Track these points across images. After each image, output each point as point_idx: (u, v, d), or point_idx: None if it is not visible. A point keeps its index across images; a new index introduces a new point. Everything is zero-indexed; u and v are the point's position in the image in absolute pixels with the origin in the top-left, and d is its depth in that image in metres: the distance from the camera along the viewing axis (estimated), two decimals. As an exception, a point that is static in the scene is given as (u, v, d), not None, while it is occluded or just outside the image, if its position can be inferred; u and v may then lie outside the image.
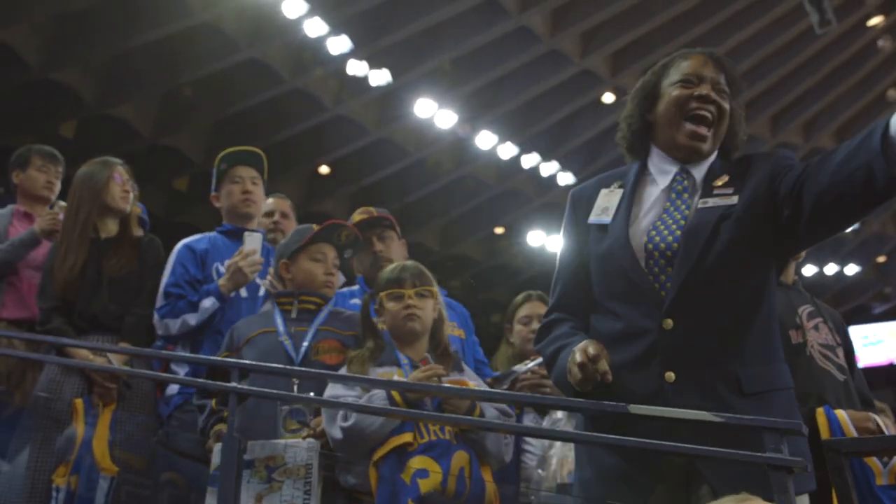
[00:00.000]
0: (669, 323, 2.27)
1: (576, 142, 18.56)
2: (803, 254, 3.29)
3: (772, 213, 2.31)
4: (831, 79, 19.50)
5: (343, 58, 15.14)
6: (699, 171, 2.46)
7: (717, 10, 17.17)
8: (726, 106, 2.46)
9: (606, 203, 2.49)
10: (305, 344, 3.34)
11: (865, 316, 28.08)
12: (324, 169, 17.59)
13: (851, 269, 24.71)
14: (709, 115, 2.43)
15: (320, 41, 14.72)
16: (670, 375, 2.25)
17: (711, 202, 2.36)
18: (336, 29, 14.67)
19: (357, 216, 4.07)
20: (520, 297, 4.21)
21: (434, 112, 16.44)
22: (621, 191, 2.50)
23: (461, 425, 3.01)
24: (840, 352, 3.16)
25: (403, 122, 16.77)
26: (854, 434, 2.86)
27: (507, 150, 17.70)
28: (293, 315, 3.44)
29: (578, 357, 2.23)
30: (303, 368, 3.19)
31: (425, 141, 17.16)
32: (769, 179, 2.34)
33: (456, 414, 3.00)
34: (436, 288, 3.32)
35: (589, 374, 2.20)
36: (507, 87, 17.01)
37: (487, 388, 3.40)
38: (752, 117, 19.52)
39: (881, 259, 25.11)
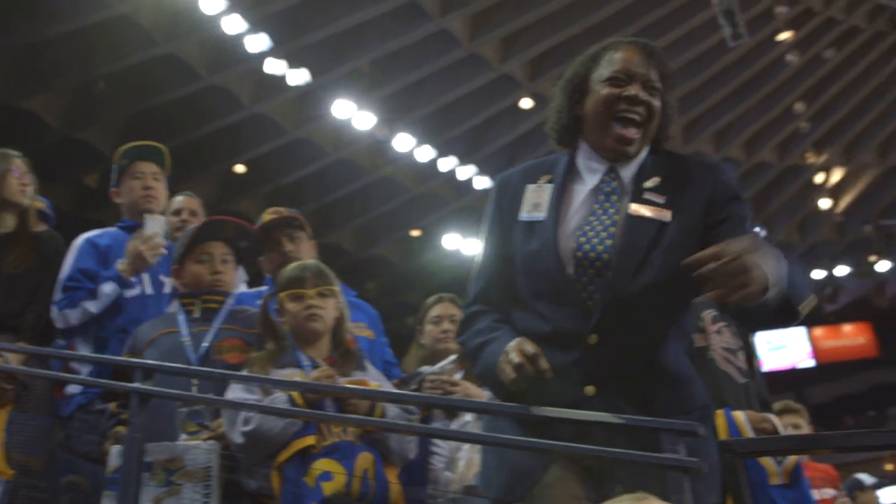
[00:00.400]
0: (594, 338, 2.24)
1: (493, 146, 18.70)
2: None
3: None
4: (742, 91, 20.04)
5: (261, 56, 15.02)
6: (628, 171, 2.39)
7: (634, 19, 17.49)
8: (656, 104, 2.36)
9: (537, 199, 2.39)
10: (205, 344, 3.28)
11: (771, 322, 28.84)
12: (240, 168, 17.38)
13: (758, 276, 25.36)
14: (637, 116, 2.34)
15: (238, 38, 14.57)
16: (590, 389, 2.23)
17: (643, 211, 2.31)
18: (255, 27, 14.53)
19: (267, 216, 4.00)
20: (432, 299, 4.15)
21: (352, 113, 16.40)
22: (550, 186, 2.40)
23: (364, 426, 2.98)
24: (741, 355, 3.23)
25: (321, 122, 16.68)
26: (751, 435, 2.93)
27: (425, 153, 17.74)
28: (196, 315, 3.38)
29: (516, 358, 2.16)
30: (203, 368, 3.13)
31: (343, 142, 17.10)
32: (705, 211, 2.30)
33: (356, 413, 2.98)
34: (337, 287, 3.28)
35: (526, 374, 2.15)
36: (426, 90, 17.06)
37: (391, 388, 3.38)
38: (666, 126, 19.94)
39: (786, 267, 25.84)
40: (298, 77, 15.50)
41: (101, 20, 13.33)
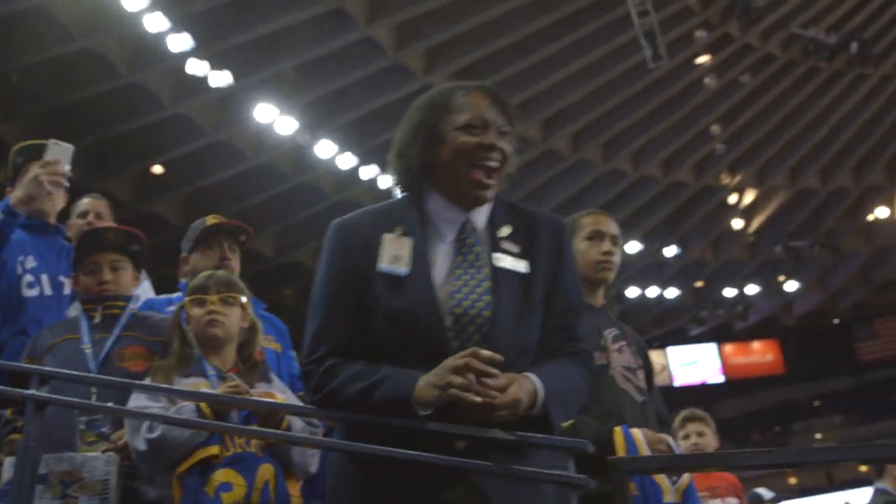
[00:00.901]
0: None
1: (415, 156, 18.74)
2: (612, 278, 3.41)
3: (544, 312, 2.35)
4: (660, 111, 20.48)
5: (183, 56, 14.80)
6: (481, 219, 2.38)
7: (556, 37, 17.74)
8: (508, 150, 2.35)
9: (396, 251, 2.29)
10: (105, 351, 3.23)
11: (682, 338, 29.59)
12: (158, 168, 17.11)
13: (672, 293, 25.92)
14: (495, 164, 2.32)
15: (161, 37, 14.35)
16: (461, 444, 2.18)
17: (506, 262, 2.32)
18: (177, 26, 14.35)
19: (212, 219, 3.94)
20: None
21: (275, 118, 16.26)
22: (410, 240, 2.31)
23: (269, 439, 2.97)
24: (640, 374, 3.31)
25: (243, 125, 16.54)
26: (647, 452, 3.02)
27: (347, 161, 17.69)
28: (97, 321, 3.32)
29: (459, 361, 2.09)
30: (102, 376, 3.09)
31: (265, 146, 16.97)
32: (553, 269, 2.36)
33: (261, 425, 2.97)
34: (244, 297, 3.26)
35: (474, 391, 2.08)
36: (350, 97, 17.02)
37: (296, 401, 3.37)
38: (585, 143, 20.26)
39: (699, 284, 26.50)
40: (221, 79, 15.32)
41: (15, 11, 13.00)
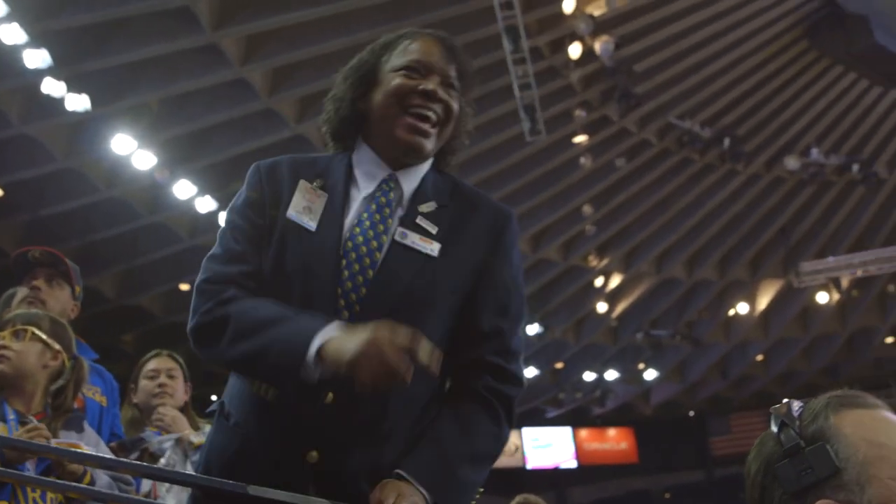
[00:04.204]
0: (331, 396, 1.90)
1: (281, 207, 18.00)
2: None
3: (464, 318, 2.05)
4: (534, 186, 20.42)
5: (39, 74, 13.78)
6: (410, 183, 2.11)
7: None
8: (455, 106, 2.10)
9: (309, 202, 2.04)
10: None
11: (538, 419, 29.45)
12: (-2, 191, 15.84)
13: (531, 372, 25.66)
14: (433, 114, 2.06)
15: (16, 50, 13.36)
16: (313, 455, 1.88)
17: (410, 239, 2.01)
18: (35, 41, 13.40)
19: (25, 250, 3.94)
20: (149, 354, 4.15)
21: (132, 150, 15.30)
22: (325, 195, 2.06)
23: (68, 493, 2.64)
24: None
25: (97, 155, 15.57)
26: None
27: (206, 204, 16.70)
28: None
29: (399, 339, 1.73)
30: None
31: (118, 180, 16.05)
32: (482, 260, 2.06)
33: (67, 476, 2.75)
34: (42, 334, 3.07)
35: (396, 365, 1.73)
36: (216, 138, 16.24)
37: (107, 454, 3.12)
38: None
39: (559, 365, 26.47)
40: (78, 103, 14.27)
41: None
